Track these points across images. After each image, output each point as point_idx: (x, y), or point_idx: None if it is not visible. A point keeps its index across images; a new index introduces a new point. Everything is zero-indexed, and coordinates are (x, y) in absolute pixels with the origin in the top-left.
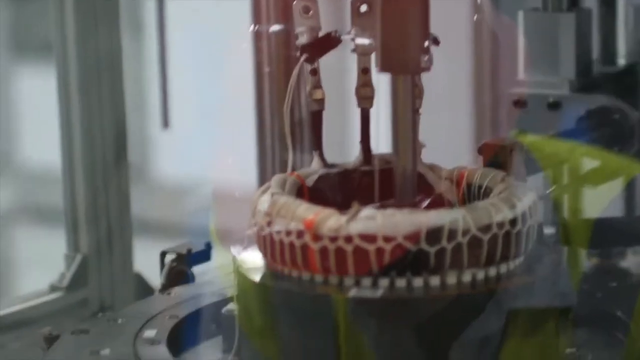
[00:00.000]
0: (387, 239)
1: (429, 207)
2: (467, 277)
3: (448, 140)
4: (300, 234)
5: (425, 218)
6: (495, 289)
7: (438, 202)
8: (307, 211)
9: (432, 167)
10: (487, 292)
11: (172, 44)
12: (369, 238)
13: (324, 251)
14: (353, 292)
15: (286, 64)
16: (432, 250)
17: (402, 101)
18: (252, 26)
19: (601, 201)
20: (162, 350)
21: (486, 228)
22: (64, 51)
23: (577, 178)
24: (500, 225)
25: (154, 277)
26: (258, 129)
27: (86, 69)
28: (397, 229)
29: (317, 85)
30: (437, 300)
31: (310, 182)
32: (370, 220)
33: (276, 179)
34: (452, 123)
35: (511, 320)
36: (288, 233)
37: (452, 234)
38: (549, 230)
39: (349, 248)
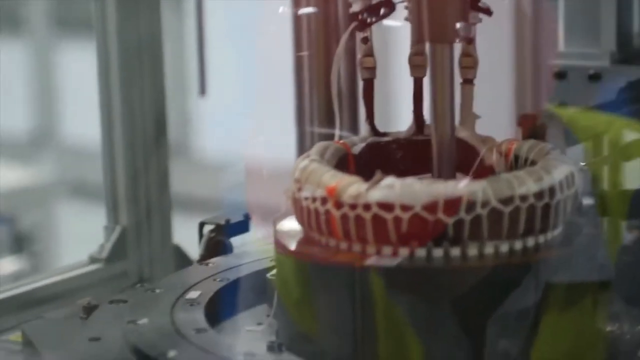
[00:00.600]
0: (404, 208)
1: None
2: (489, 249)
3: (489, 111)
4: (324, 201)
5: (444, 189)
6: (520, 262)
7: (486, 174)
8: (332, 178)
9: (486, 139)
10: (509, 265)
11: (212, 18)
12: (387, 207)
13: (344, 218)
14: (370, 261)
15: (326, 37)
16: (449, 221)
17: (440, 70)
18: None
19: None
20: (200, 318)
21: (507, 200)
22: (104, 27)
23: (616, 150)
24: (524, 198)
25: (194, 252)
26: (297, 104)
27: (126, 45)
28: (415, 198)
29: (369, 53)
30: (457, 271)
31: (356, 150)
32: (389, 189)
33: (318, 145)
34: (493, 94)
35: (545, 294)
36: (314, 200)
37: (470, 206)
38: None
39: (367, 216)
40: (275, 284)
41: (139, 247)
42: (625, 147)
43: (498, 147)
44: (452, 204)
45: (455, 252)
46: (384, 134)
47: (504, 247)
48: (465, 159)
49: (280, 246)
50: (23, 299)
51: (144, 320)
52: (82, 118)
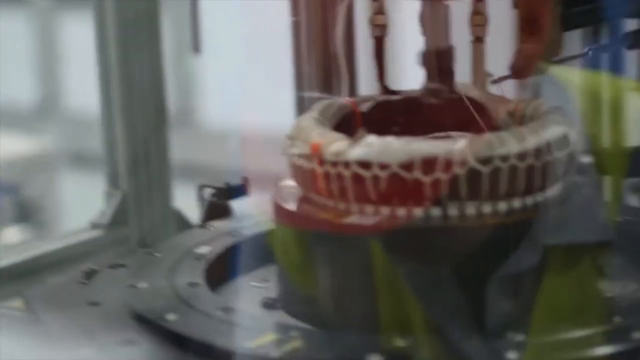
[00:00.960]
0: (382, 167)
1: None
2: (470, 210)
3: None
4: (309, 158)
5: (421, 147)
6: (501, 223)
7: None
8: (319, 136)
9: (498, 99)
10: (489, 226)
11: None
12: (366, 165)
13: (327, 176)
14: (349, 219)
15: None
16: (427, 180)
17: (435, 27)
18: None
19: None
20: (200, 282)
21: (486, 160)
22: None
23: (615, 107)
24: (504, 158)
25: (196, 219)
26: (294, 68)
27: (124, 12)
28: (392, 156)
29: (380, 10)
30: (437, 231)
31: (364, 108)
32: (368, 147)
33: (321, 103)
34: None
35: (534, 256)
36: (301, 156)
37: (447, 165)
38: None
39: (347, 174)
40: (271, 243)
41: (139, 213)
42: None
43: (508, 107)
44: (428, 163)
45: (436, 212)
46: (395, 92)
47: (486, 208)
48: (474, 118)
49: (276, 210)
50: (24, 267)
51: (143, 284)
52: (85, 87)
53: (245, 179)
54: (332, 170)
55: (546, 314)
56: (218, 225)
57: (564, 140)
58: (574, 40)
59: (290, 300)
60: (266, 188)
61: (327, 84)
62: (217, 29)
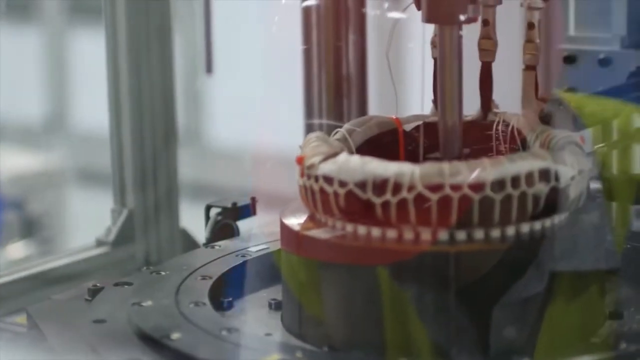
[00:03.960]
0: (342, 184)
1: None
2: (408, 235)
3: (500, 94)
4: (301, 172)
5: (375, 168)
6: (441, 253)
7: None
8: (313, 149)
9: (541, 127)
10: (429, 255)
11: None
12: (329, 180)
13: (305, 187)
14: (310, 233)
15: (335, 23)
16: (377, 201)
17: (449, 53)
18: None
19: None
20: (205, 302)
21: (436, 187)
22: (113, 11)
23: (625, 135)
24: (456, 187)
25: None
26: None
27: (135, 30)
28: (349, 175)
29: (487, 35)
30: (377, 252)
31: (408, 127)
32: (333, 164)
33: (361, 119)
34: (503, 78)
35: (457, 286)
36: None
37: (396, 188)
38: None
39: (316, 187)
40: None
41: (146, 231)
42: (634, 132)
43: (540, 136)
44: (380, 185)
45: (376, 232)
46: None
47: (425, 235)
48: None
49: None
50: (30, 282)
51: (148, 303)
52: (94, 104)
53: (253, 199)
54: (307, 183)
55: (552, 340)
56: (224, 244)
57: (542, 175)
58: None
59: (296, 321)
60: (274, 208)
61: (338, 109)
62: (228, 49)
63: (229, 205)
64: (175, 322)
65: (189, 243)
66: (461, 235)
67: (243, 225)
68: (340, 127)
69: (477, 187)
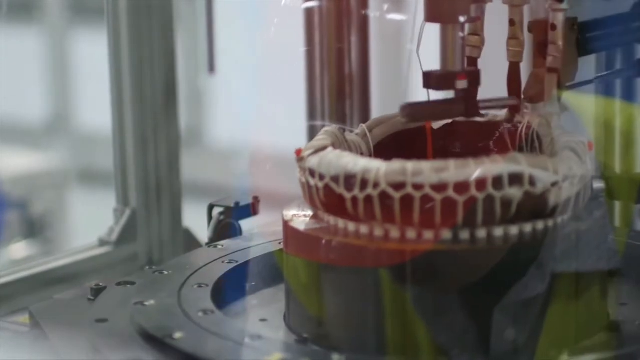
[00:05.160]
0: (321, 177)
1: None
2: (378, 232)
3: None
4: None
5: (347, 164)
6: (408, 251)
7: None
8: (315, 142)
9: (559, 130)
10: (394, 252)
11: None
12: (313, 174)
13: (300, 181)
14: (301, 226)
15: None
16: (348, 196)
17: (451, 51)
18: None
19: None
20: (207, 301)
21: (398, 186)
22: (115, 11)
23: (627, 135)
24: (418, 186)
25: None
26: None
27: (138, 30)
28: (326, 169)
29: (514, 36)
30: (343, 248)
31: (437, 125)
32: (317, 157)
33: (388, 115)
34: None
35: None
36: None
37: (363, 184)
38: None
39: (303, 180)
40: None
41: (148, 230)
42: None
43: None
44: (349, 180)
45: (351, 227)
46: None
47: (394, 233)
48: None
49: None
50: (32, 282)
51: (150, 302)
52: (97, 104)
53: (256, 199)
54: (301, 177)
55: (553, 340)
56: (226, 244)
57: (514, 179)
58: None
59: (298, 320)
60: (276, 208)
61: (340, 111)
62: (229, 50)
63: (232, 204)
64: (177, 321)
65: (192, 242)
66: (428, 234)
67: (245, 224)
68: (344, 128)
69: (439, 187)
